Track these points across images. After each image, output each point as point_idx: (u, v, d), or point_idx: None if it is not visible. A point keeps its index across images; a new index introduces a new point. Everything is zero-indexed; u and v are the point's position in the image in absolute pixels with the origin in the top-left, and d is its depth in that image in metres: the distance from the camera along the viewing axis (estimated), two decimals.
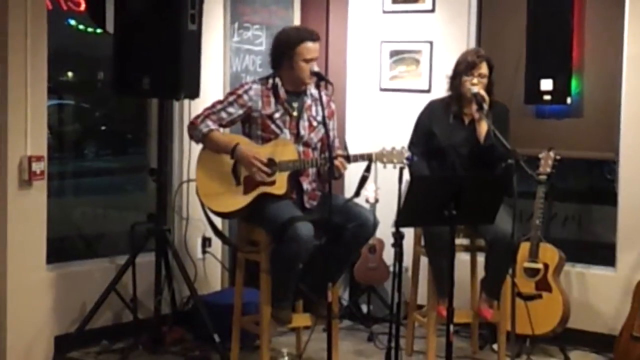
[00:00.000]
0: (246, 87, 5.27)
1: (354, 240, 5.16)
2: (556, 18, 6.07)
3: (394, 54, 6.82)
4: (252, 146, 5.16)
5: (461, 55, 5.67)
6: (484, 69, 5.54)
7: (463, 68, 5.56)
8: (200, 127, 5.19)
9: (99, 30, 6.01)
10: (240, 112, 5.22)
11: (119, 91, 5.73)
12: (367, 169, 5.03)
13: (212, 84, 6.29)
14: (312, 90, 5.28)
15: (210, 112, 5.24)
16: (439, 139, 5.61)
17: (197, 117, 5.26)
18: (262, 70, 6.37)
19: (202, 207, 5.31)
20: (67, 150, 6.76)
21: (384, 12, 6.85)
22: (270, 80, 5.26)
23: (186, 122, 5.91)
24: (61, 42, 5.95)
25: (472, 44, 6.46)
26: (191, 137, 5.30)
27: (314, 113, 5.28)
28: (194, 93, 5.62)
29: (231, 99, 5.25)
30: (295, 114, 5.23)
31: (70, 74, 6.90)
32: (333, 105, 5.37)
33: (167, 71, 5.44)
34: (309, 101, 5.28)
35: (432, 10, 6.67)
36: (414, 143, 5.66)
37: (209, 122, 5.19)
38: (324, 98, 5.11)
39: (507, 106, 5.70)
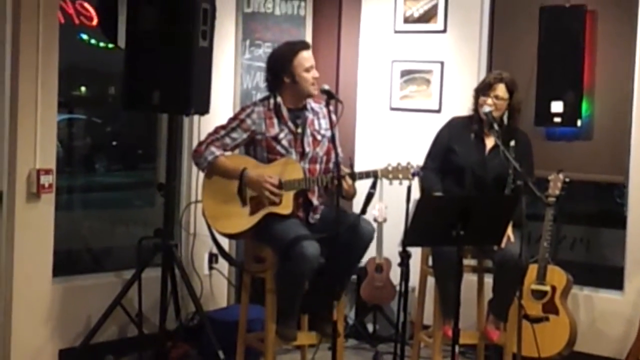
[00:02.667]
0: (248, 110, 5.25)
1: (352, 250, 5.11)
2: (568, 40, 6.08)
3: (404, 73, 6.82)
4: (259, 168, 5.15)
5: (485, 76, 5.72)
6: (500, 90, 5.53)
7: (481, 88, 5.60)
8: (205, 154, 5.17)
9: (110, 45, 6.03)
10: (244, 136, 5.21)
11: (129, 106, 5.71)
12: (373, 186, 5.00)
13: (223, 101, 6.30)
14: (312, 104, 5.27)
15: (214, 138, 5.22)
16: (457, 156, 5.60)
17: (201, 144, 5.25)
18: (266, 88, 6.37)
19: (208, 228, 5.31)
20: (77, 165, 6.78)
21: (396, 31, 6.87)
22: (272, 101, 5.24)
23: (196, 138, 5.96)
24: (73, 56, 5.96)
25: (484, 65, 6.47)
26: (197, 165, 5.28)
27: (316, 127, 5.26)
28: (204, 109, 5.61)
29: (234, 124, 5.24)
30: (299, 131, 5.22)
31: (83, 88, 6.92)
32: (334, 116, 5.31)
33: (177, 87, 5.42)
34: (310, 116, 5.27)
35: (444, 31, 6.68)
36: (431, 156, 5.68)
37: (213, 149, 5.17)
38: (324, 110, 5.09)
39: (527, 135, 5.69)
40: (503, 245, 5.14)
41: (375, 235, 5.43)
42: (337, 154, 4.98)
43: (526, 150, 5.57)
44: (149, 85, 5.48)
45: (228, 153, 5.25)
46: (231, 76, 6.47)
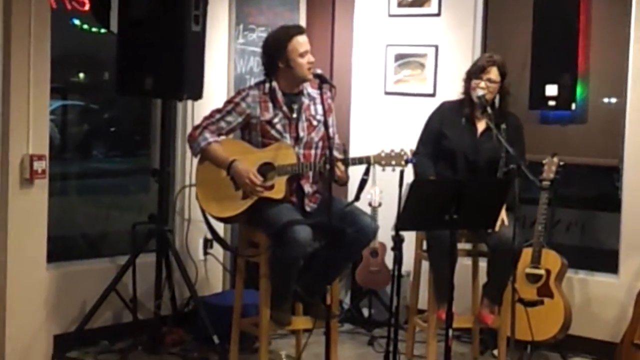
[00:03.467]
0: (243, 94, 5.24)
1: (353, 244, 5.14)
2: (562, 24, 6.04)
3: (399, 57, 6.81)
4: (252, 153, 5.14)
5: (476, 59, 5.70)
6: (493, 74, 5.53)
7: (473, 71, 5.58)
8: (198, 139, 5.17)
9: (103, 30, 6.01)
10: (239, 119, 5.21)
11: (122, 91, 5.71)
12: (366, 172, 4.99)
13: (216, 85, 6.29)
14: (309, 89, 5.27)
15: (209, 122, 5.22)
16: (449, 140, 5.60)
17: (196, 128, 5.25)
18: (263, 72, 6.36)
19: (201, 212, 5.31)
20: (74, 151, 6.78)
21: (390, 15, 6.85)
22: (267, 85, 5.23)
23: (189, 123, 5.96)
24: (65, 42, 5.95)
25: (478, 48, 6.46)
26: (191, 149, 5.28)
27: (312, 112, 5.25)
28: (197, 94, 5.61)
29: (229, 107, 5.23)
30: (294, 116, 5.21)
31: (81, 75, 6.91)
32: (331, 102, 5.32)
33: (170, 72, 5.43)
34: (306, 101, 5.26)
35: (438, 14, 6.67)
36: (422, 142, 5.67)
37: (207, 135, 5.17)
38: (323, 96, 5.07)
39: (518, 118, 5.68)
40: (497, 228, 5.15)
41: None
42: (329, 139, 4.96)
43: (517, 132, 5.58)
44: (142, 70, 5.49)
45: (222, 137, 5.24)
46: (224, 61, 6.46)
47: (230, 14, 6.47)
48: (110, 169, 7.33)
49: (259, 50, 6.48)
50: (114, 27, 5.71)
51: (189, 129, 5.61)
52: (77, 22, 6.20)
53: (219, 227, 5.62)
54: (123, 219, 6.47)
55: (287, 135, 5.18)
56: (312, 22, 6.87)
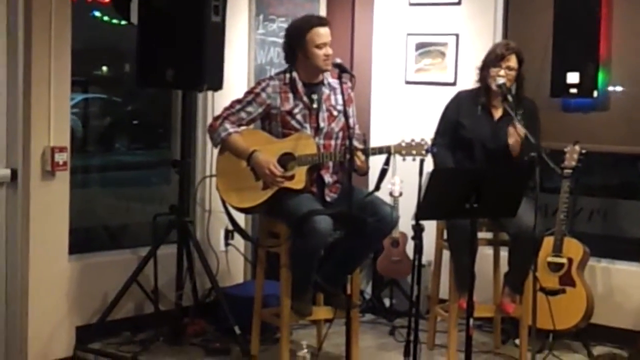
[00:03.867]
0: (263, 84, 5.24)
1: (374, 234, 5.14)
2: (583, 11, 6.01)
3: (419, 46, 6.79)
4: (272, 143, 5.14)
5: (492, 47, 5.65)
6: (512, 61, 5.50)
7: (492, 59, 5.53)
8: (219, 130, 5.19)
9: (123, 22, 6.02)
10: (260, 110, 5.21)
11: (143, 83, 5.73)
12: (387, 162, 4.98)
13: (237, 76, 6.29)
14: (329, 79, 5.26)
15: (229, 112, 5.23)
16: (466, 130, 5.58)
17: (217, 118, 5.26)
18: (285, 60, 6.35)
19: (222, 203, 5.32)
20: (97, 144, 6.80)
21: (410, 4, 6.83)
22: (287, 75, 5.23)
23: (210, 114, 5.96)
24: (86, 34, 5.97)
25: (499, 37, 6.41)
26: (211, 140, 5.30)
27: (333, 102, 5.25)
28: (218, 85, 5.61)
29: (249, 98, 5.24)
30: (315, 106, 5.20)
31: (105, 68, 6.93)
32: (352, 92, 5.32)
33: (190, 63, 5.43)
34: (327, 91, 5.26)
35: (459, 3, 6.64)
36: (439, 133, 5.64)
37: (227, 125, 5.18)
38: (343, 86, 5.06)
39: (534, 102, 5.65)
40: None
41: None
42: (349, 129, 4.95)
43: (533, 117, 5.52)
44: (162, 62, 5.51)
45: (243, 128, 5.24)
46: (245, 51, 6.45)
47: (250, 5, 6.47)
48: (132, 161, 7.34)
49: (279, 40, 6.53)
50: (134, 18, 5.73)
51: (209, 120, 5.60)
52: (97, 14, 6.22)
53: (240, 218, 5.63)
54: (144, 211, 6.49)
55: (308, 126, 5.18)
56: (333, 12, 6.85)
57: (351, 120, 5.16)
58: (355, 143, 4.97)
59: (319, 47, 5.12)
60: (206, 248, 6.03)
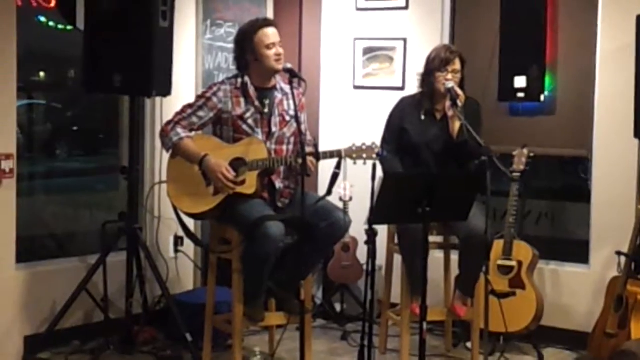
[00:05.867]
0: (215, 89, 5.22)
1: (326, 239, 5.14)
2: (529, 15, 6.06)
3: (367, 51, 6.80)
4: (223, 148, 5.12)
5: (433, 52, 5.62)
6: (457, 64, 5.52)
7: (437, 64, 5.52)
8: (170, 135, 5.14)
9: (69, 27, 5.95)
10: (211, 114, 5.18)
11: (90, 89, 5.66)
12: (338, 166, 4.98)
13: (185, 82, 6.26)
14: (282, 85, 5.25)
15: (181, 117, 5.19)
16: (411, 135, 5.58)
17: (168, 123, 5.21)
18: (235, 67, 6.32)
19: (173, 209, 5.28)
20: (38, 150, 6.70)
21: (358, 9, 6.83)
22: (239, 80, 5.21)
23: (158, 120, 5.92)
24: (31, 40, 5.89)
25: (446, 41, 6.44)
26: (163, 144, 5.25)
27: (285, 107, 5.23)
28: (166, 90, 5.58)
29: (200, 102, 5.21)
30: (266, 111, 5.19)
31: (42, 74, 6.84)
32: (303, 99, 5.32)
33: (138, 68, 5.39)
34: (279, 96, 5.25)
35: (406, 8, 6.66)
36: (386, 140, 5.63)
37: (179, 130, 5.14)
38: (295, 92, 5.07)
39: (478, 102, 5.67)
40: None
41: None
42: (300, 133, 4.94)
43: (475, 116, 5.50)
44: (109, 67, 5.45)
45: (195, 132, 5.21)
46: (192, 57, 6.42)
47: (198, 10, 6.44)
48: (78, 168, 7.26)
49: (226, 45, 6.52)
50: (80, 24, 5.65)
51: (157, 126, 5.57)
52: (42, 19, 6.13)
53: (190, 224, 5.58)
54: (92, 218, 6.42)
55: (259, 131, 5.16)
56: (280, 17, 6.84)
57: (303, 127, 5.15)
58: (307, 149, 4.96)
59: (268, 47, 5.12)
60: (156, 255, 5.98)
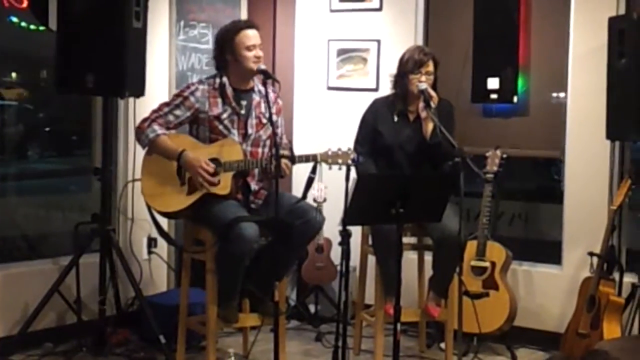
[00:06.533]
0: (192, 88, 5.21)
1: (300, 238, 5.13)
2: (502, 17, 6.08)
3: (341, 52, 6.81)
4: (198, 148, 5.10)
5: (406, 54, 5.60)
6: (430, 66, 5.52)
7: (410, 66, 5.51)
8: (147, 131, 5.12)
9: (41, 28, 5.91)
10: (188, 114, 5.17)
11: (63, 90, 5.62)
12: (313, 171, 4.98)
13: (158, 82, 6.23)
14: (260, 87, 5.24)
15: (157, 115, 5.17)
16: (384, 137, 5.58)
17: (144, 120, 5.19)
18: (209, 68, 6.31)
19: (147, 208, 5.26)
20: (10, 152, 6.65)
21: (331, 10, 6.84)
22: (217, 80, 5.21)
23: (131, 121, 5.87)
24: (3, 40, 5.84)
25: (420, 43, 6.46)
26: (138, 141, 5.22)
27: (263, 110, 5.23)
28: (139, 91, 5.55)
29: (177, 101, 5.19)
30: (243, 112, 5.18)
31: (14, 74, 6.79)
32: (280, 102, 5.34)
33: (111, 69, 5.37)
34: (257, 98, 5.24)
35: (380, 9, 6.68)
36: (359, 142, 5.63)
37: (156, 127, 5.12)
38: (271, 95, 5.07)
39: (451, 103, 5.68)
40: None
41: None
42: (275, 135, 4.93)
43: (449, 118, 5.50)
44: (82, 68, 5.42)
45: (171, 131, 5.19)
46: (166, 58, 6.39)
47: (171, 11, 6.41)
48: (50, 169, 7.21)
49: (200, 46, 6.51)
50: (52, 24, 5.62)
51: (131, 127, 5.55)
52: (14, 19, 6.08)
53: (164, 225, 5.56)
54: (65, 219, 6.38)
55: (235, 132, 5.15)
56: (254, 18, 6.77)
57: (279, 131, 5.15)
58: (283, 152, 4.96)
59: (249, 48, 5.12)
60: (129, 256, 5.95)
